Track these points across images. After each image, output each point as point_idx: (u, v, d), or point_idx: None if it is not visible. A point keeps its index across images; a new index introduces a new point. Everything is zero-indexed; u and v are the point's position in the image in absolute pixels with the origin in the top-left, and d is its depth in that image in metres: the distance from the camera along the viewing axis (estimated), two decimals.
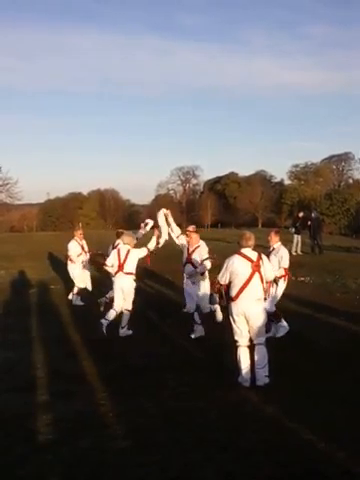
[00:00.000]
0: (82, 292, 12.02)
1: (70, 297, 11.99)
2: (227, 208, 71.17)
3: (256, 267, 6.23)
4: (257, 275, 6.22)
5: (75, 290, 11.89)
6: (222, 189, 74.89)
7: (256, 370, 6.14)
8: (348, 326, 9.08)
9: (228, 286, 6.34)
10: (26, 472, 4.17)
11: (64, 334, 8.85)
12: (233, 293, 6.24)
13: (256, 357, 6.16)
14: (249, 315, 6.14)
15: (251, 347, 6.25)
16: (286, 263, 8.53)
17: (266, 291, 6.43)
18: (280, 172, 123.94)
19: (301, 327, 8.79)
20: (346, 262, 17.67)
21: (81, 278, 12.07)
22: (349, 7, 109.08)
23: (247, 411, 5.36)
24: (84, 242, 12.41)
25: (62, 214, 71.45)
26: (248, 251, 6.34)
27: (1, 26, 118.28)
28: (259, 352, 6.18)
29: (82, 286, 12.00)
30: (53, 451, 4.52)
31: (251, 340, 6.26)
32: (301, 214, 22.62)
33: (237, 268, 6.23)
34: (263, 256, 6.49)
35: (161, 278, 15.40)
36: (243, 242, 6.39)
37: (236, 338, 6.28)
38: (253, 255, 6.32)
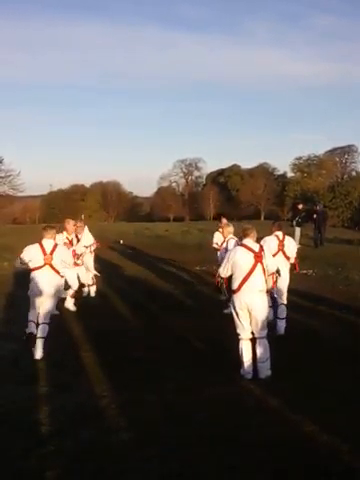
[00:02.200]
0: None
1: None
2: (229, 200, 71.11)
3: (258, 258, 6.21)
4: (259, 266, 6.20)
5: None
6: (225, 181, 74.79)
7: (258, 364, 6.10)
8: (350, 318, 9.07)
9: (229, 279, 6.32)
10: (28, 465, 4.18)
11: (65, 326, 8.84)
12: (235, 285, 6.21)
13: (258, 351, 6.12)
14: (252, 307, 6.11)
15: (252, 340, 6.22)
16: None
17: (268, 282, 6.40)
18: (283, 165, 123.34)
19: (303, 320, 8.78)
20: (349, 255, 17.62)
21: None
22: None
23: (249, 405, 5.35)
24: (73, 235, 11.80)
25: (64, 206, 71.47)
26: (250, 242, 6.34)
27: (2, 19, 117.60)
28: (261, 346, 6.13)
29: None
30: (55, 444, 4.52)
31: (253, 333, 6.22)
32: (300, 206, 22.46)
33: (239, 259, 6.21)
34: (265, 247, 6.48)
35: (162, 270, 15.37)
36: (244, 234, 6.40)
37: (238, 331, 6.25)
38: (255, 246, 6.30)
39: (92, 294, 11.45)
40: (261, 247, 6.37)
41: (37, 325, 7.23)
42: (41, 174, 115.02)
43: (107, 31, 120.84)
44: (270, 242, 8.03)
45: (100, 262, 16.77)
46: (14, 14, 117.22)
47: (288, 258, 8.23)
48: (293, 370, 6.29)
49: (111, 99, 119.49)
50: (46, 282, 7.29)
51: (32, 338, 7.16)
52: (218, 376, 6.20)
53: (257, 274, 6.17)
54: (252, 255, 6.20)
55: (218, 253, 10.54)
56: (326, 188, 56.09)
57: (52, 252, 7.39)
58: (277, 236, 8.23)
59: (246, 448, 4.36)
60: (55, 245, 7.55)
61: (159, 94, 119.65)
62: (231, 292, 6.31)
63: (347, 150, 69.31)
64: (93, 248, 11.31)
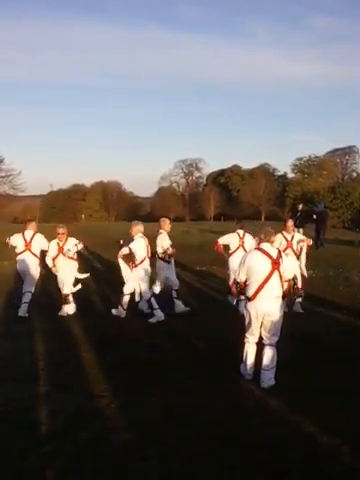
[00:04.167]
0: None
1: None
2: (230, 201, 71.22)
3: (276, 265, 5.90)
4: (276, 273, 5.91)
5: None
6: (225, 182, 74.91)
7: (263, 372, 5.89)
8: (351, 320, 9.06)
9: (244, 283, 6.08)
10: (27, 465, 4.17)
11: (66, 326, 8.84)
12: (250, 292, 5.94)
13: (265, 358, 5.91)
14: (268, 314, 5.86)
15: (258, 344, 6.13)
16: None
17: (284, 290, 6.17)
18: (283, 165, 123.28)
19: (303, 320, 8.76)
20: (349, 256, 17.63)
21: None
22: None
23: (249, 406, 5.35)
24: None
25: (65, 206, 71.58)
26: (268, 247, 6.05)
27: (2, 20, 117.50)
28: (269, 353, 5.92)
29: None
30: (55, 443, 4.52)
31: (260, 338, 6.06)
32: (300, 207, 22.35)
33: (255, 265, 5.93)
34: (283, 253, 6.20)
35: None
36: (263, 237, 6.10)
37: (247, 335, 6.08)
38: (273, 252, 6.01)
39: (70, 312, 9.69)
40: (279, 252, 6.07)
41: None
42: (42, 174, 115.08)
43: (107, 31, 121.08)
44: (232, 238, 10.08)
45: (100, 262, 16.82)
46: (14, 14, 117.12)
47: None
48: (293, 371, 6.27)
49: (111, 99, 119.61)
50: (27, 263, 9.65)
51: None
52: (218, 376, 6.19)
53: (274, 281, 5.89)
54: (270, 262, 5.89)
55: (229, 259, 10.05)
56: (327, 189, 56.13)
57: (31, 240, 9.79)
58: (238, 233, 10.09)
59: (246, 448, 4.36)
60: (33, 234, 9.85)
61: (159, 94, 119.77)
62: (246, 298, 6.10)
63: (348, 151, 69.39)
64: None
